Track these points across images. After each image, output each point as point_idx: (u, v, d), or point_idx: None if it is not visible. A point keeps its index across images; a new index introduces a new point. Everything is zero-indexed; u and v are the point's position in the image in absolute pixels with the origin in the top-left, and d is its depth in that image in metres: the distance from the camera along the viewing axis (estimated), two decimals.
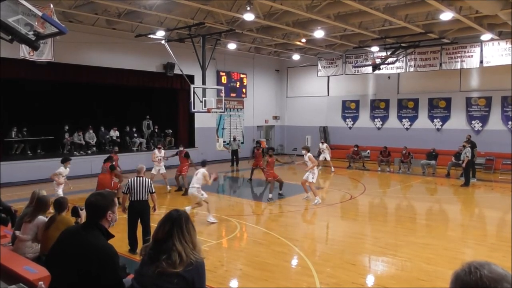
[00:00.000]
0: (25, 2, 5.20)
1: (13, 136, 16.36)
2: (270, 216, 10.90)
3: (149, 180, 7.68)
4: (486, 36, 16.43)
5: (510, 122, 18.15)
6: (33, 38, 5.31)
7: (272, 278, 6.37)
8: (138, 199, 7.38)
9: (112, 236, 3.08)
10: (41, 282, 3.87)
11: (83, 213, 5.62)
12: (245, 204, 12.44)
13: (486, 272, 1.47)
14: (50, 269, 3.25)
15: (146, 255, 2.73)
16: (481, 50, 17.40)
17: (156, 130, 20.53)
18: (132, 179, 7.55)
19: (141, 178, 7.57)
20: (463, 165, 14.98)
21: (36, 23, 5.30)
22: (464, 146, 15.27)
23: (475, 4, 12.25)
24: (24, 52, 11.98)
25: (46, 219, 5.34)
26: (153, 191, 7.64)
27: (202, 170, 9.76)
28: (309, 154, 12.09)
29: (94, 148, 18.17)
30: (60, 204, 5.36)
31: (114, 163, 11.79)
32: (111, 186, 11.21)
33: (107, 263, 2.84)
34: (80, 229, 3.04)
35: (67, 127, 17.59)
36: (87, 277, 2.81)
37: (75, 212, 5.62)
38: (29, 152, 16.79)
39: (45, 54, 12.88)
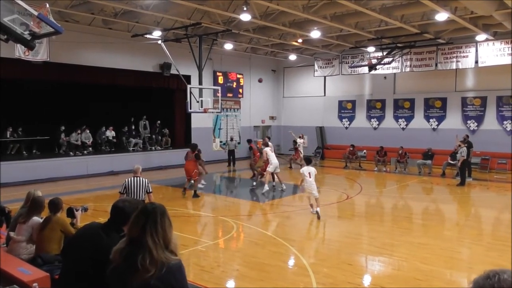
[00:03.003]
0: (21, 1, 5.17)
1: (8, 136, 16.28)
2: (267, 217, 10.91)
3: (146, 180, 7.69)
4: (481, 37, 16.51)
5: (505, 122, 18.25)
6: (29, 38, 5.29)
7: (269, 279, 6.37)
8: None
9: None
10: (35, 284, 3.84)
11: (78, 214, 5.61)
12: (242, 205, 12.43)
13: (505, 276, 1.42)
14: (63, 260, 3.34)
15: (120, 257, 2.47)
16: (476, 51, 17.49)
17: (157, 130, 20.52)
18: (129, 179, 7.54)
19: (138, 178, 7.56)
20: (459, 164, 15.05)
21: (31, 23, 5.28)
22: (459, 146, 15.33)
23: (470, 4, 12.31)
24: (19, 51, 11.92)
25: (41, 220, 5.31)
26: (150, 190, 7.63)
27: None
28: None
29: (90, 149, 18.10)
30: (55, 205, 5.33)
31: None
32: (193, 174, 12.41)
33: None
34: (99, 229, 3.07)
35: (63, 128, 17.50)
36: (95, 275, 2.87)
37: (70, 213, 5.60)
38: (24, 152, 16.71)
39: (41, 54, 12.82)
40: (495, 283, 1.41)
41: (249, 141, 17.59)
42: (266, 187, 12.96)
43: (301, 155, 17.75)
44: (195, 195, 12.58)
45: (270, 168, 13.07)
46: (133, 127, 19.77)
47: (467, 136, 16.82)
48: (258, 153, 15.59)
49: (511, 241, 7.84)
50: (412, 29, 15.57)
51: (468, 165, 15.63)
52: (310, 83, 24.10)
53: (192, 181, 12.71)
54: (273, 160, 13.18)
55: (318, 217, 9.91)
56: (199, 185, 13.84)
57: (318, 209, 10.00)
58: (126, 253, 2.45)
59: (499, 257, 7.29)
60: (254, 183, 14.00)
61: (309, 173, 10.02)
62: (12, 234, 5.37)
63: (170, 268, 2.35)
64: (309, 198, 10.26)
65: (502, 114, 18.34)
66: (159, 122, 20.49)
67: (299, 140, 18.82)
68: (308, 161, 10.66)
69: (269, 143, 16.66)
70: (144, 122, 20.24)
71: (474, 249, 8.03)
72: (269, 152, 13.37)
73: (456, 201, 13.28)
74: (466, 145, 15.38)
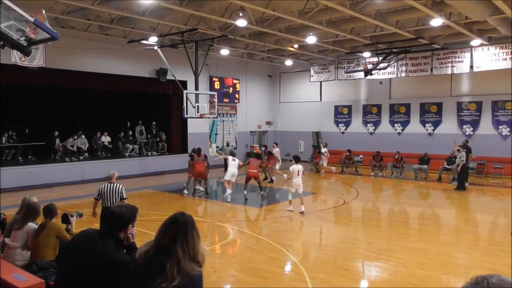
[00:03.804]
0: (17, 8, 5.18)
1: (3, 141, 16.20)
2: (263, 222, 10.89)
3: (121, 186, 7.54)
4: (475, 42, 16.61)
5: (500, 127, 18.34)
6: (25, 44, 5.28)
7: (265, 284, 6.35)
8: (109, 205, 7.30)
9: (125, 248, 3.10)
10: None
11: (73, 220, 5.58)
12: (238, 210, 12.41)
13: (494, 280, 1.44)
14: (59, 267, 3.36)
15: (144, 259, 2.57)
16: (471, 56, 17.59)
17: (155, 134, 20.47)
18: (103, 185, 7.48)
19: (112, 184, 7.48)
20: (458, 169, 15.02)
21: (28, 29, 5.28)
22: (458, 150, 15.29)
23: (465, 10, 12.40)
24: (15, 57, 11.90)
25: (36, 226, 5.28)
26: (125, 197, 7.50)
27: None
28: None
29: (86, 154, 18.04)
30: (50, 211, 5.30)
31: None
32: (205, 174, 14.00)
33: (112, 273, 2.83)
34: (95, 235, 3.05)
35: (57, 133, 17.43)
36: (90, 281, 2.85)
37: (65, 219, 5.57)
38: (20, 158, 16.63)
39: (37, 59, 12.80)
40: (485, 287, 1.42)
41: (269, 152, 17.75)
42: (228, 191, 12.97)
43: (323, 162, 19.20)
44: (206, 192, 14.29)
45: (226, 176, 13.20)
46: (130, 132, 19.73)
47: (467, 141, 16.90)
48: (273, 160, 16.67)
49: (511, 245, 7.87)
50: (407, 34, 15.66)
51: (466, 170, 15.68)
52: (306, 88, 24.17)
53: (203, 181, 14.38)
54: (230, 168, 13.28)
55: (301, 212, 10.99)
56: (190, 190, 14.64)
57: (302, 206, 11.07)
58: (152, 255, 2.54)
59: (496, 262, 7.31)
60: (263, 192, 13.72)
61: (298, 170, 11.08)
62: (7, 240, 5.34)
63: (192, 278, 2.44)
64: (291, 193, 11.21)
65: (497, 118, 18.44)
66: (154, 123, 20.41)
67: (323, 149, 19.53)
68: (297, 159, 11.49)
69: (277, 149, 17.68)
70: (141, 128, 20.21)
71: (471, 254, 8.04)
72: (230, 160, 13.52)
73: (453, 206, 13.30)
74: (465, 149, 15.38)
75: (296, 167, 11.11)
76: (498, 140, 18.18)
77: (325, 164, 19.39)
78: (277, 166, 17.02)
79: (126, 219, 3.07)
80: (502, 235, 9.23)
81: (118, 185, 7.51)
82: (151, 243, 2.64)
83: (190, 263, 2.48)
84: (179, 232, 2.56)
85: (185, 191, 14.22)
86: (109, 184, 7.49)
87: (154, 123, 20.44)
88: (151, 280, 2.42)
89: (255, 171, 13.30)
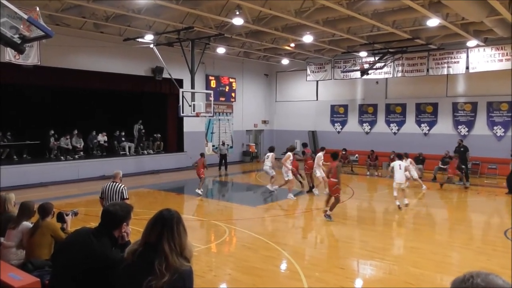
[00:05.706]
0: (10, 5, 5.14)
1: None
2: (259, 221, 10.89)
3: (122, 186, 7.47)
4: (472, 43, 16.68)
5: (495, 127, 18.43)
6: (19, 41, 5.24)
7: (261, 283, 6.36)
8: None
9: (120, 246, 3.10)
10: None
11: (68, 218, 5.55)
12: (234, 209, 12.41)
13: (479, 281, 1.49)
14: (54, 265, 3.35)
15: (133, 257, 2.57)
16: (467, 56, 17.66)
17: (143, 138, 20.38)
18: (106, 184, 7.46)
19: (114, 183, 7.44)
20: None
21: (21, 26, 5.23)
22: None
23: (461, 11, 12.44)
24: (9, 55, 11.82)
25: (31, 225, 5.25)
26: (126, 197, 7.43)
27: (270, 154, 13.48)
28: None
29: (81, 153, 17.97)
30: (44, 210, 5.27)
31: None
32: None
33: (107, 271, 2.82)
34: (90, 234, 3.04)
35: (52, 132, 17.34)
36: (85, 280, 2.85)
37: (60, 218, 5.54)
38: (14, 156, 16.54)
39: (31, 57, 12.71)
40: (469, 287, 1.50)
41: (304, 145, 16.69)
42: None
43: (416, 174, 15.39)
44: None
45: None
46: (123, 133, 19.60)
47: (461, 140, 16.93)
48: (311, 160, 14.32)
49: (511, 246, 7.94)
50: (404, 34, 15.70)
51: (466, 169, 15.72)
52: (303, 87, 24.19)
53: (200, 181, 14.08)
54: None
55: (399, 207, 11.57)
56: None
57: (402, 201, 11.65)
58: (140, 253, 2.54)
59: (488, 261, 7.38)
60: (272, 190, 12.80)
61: (399, 165, 11.81)
62: (1, 239, 5.30)
63: (181, 274, 2.43)
64: (394, 189, 11.76)
65: (492, 119, 18.53)
66: (144, 131, 20.21)
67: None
68: (400, 157, 12.63)
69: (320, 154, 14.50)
70: (140, 126, 20.12)
71: (464, 253, 8.08)
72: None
73: (447, 206, 13.36)
74: (462, 148, 14.92)
75: (397, 163, 11.84)
76: (492, 141, 18.27)
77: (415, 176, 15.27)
78: (318, 173, 13.75)
79: (120, 217, 3.06)
80: (496, 235, 9.32)
81: (120, 185, 7.47)
82: (139, 241, 2.64)
83: (178, 258, 2.47)
84: (165, 228, 2.55)
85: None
86: (111, 183, 7.47)
87: (143, 131, 20.22)
88: (141, 278, 2.42)
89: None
